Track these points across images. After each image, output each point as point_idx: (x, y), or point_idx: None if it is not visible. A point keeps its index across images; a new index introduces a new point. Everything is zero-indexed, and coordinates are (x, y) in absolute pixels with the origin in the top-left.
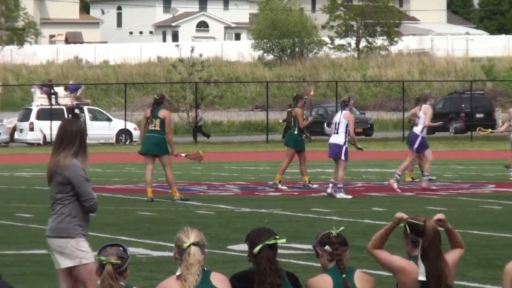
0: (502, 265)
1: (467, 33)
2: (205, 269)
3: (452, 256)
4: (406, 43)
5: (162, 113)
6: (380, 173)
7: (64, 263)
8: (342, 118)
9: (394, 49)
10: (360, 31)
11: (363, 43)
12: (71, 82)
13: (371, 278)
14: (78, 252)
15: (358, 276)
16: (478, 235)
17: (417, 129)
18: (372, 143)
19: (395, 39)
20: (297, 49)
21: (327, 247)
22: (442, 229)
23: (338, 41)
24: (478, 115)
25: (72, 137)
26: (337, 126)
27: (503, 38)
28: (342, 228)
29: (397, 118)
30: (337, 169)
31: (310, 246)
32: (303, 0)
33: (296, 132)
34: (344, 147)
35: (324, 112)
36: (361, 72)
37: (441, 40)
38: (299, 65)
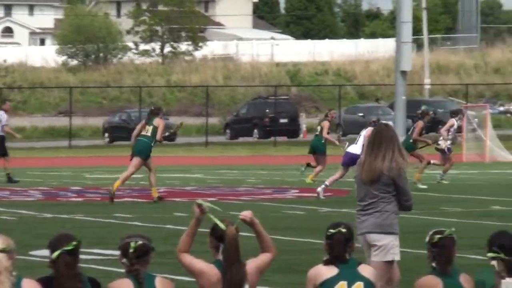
0: (304, 270)
1: (273, 38)
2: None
3: (256, 262)
4: (211, 48)
5: (156, 121)
6: (183, 178)
7: (376, 257)
8: (365, 132)
9: (198, 54)
10: (165, 36)
11: (167, 48)
12: None
13: (170, 283)
14: (395, 248)
15: (159, 282)
16: (280, 240)
17: None
18: (176, 148)
19: (200, 44)
20: (101, 54)
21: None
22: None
23: (142, 46)
24: (282, 120)
25: (390, 140)
26: (358, 138)
27: (308, 43)
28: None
29: (201, 123)
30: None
31: (112, 252)
32: (108, 6)
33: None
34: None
35: (128, 117)
36: (165, 77)
37: (246, 45)
38: (103, 70)
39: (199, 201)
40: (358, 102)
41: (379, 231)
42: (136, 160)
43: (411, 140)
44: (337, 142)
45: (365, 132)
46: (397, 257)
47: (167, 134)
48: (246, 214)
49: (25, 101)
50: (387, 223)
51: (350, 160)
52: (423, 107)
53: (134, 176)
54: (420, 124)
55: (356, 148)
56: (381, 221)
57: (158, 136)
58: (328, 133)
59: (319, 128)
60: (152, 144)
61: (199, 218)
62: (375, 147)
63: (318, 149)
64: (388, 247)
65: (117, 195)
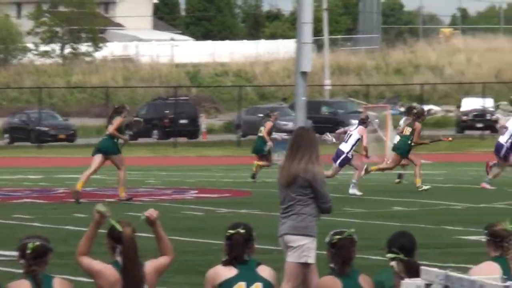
0: (204, 271)
1: (172, 39)
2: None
3: (155, 263)
4: (111, 49)
5: (115, 119)
6: None
7: (290, 258)
8: (356, 131)
9: (99, 55)
10: (65, 37)
11: (67, 49)
12: None
13: (69, 284)
14: (309, 251)
15: (58, 282)
16: (180, 241)
17: (502, 139)
18: (76, 150)
19: (100, 45)
20: (1, 55)
21: None
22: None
23: (43, 48)
24: (182, 121)
25: (309, 144)
26: (348, 137)
27: (208, 44)
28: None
29: (101, 124)
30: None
31: (10, 253)
32: (8, 7)
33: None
34: (344, 155)
35: (27, 118)
36: (66, 78)
37: (146, 46)
38: (3, 71)
39: (99, 208)
40: (258, 103)
41: (295, 233)
42: (115, 159)
43: (409, 142)
44: (270, 145)
45: (357, 131)
46: (310, 260)
47: (131, 132)
48: (152, 212)
49: None
50: (303, 225)
51: (338, 158)
52: (323, 108)
53: (34, 177)
54: (418, 126)
55: (346, 147)
56: (297, 223)
57: (110, 130)
58: (269, 133)
59: (262, 128)
60: (114, 140)
61: (99, 222)
62: (293, 150)
63: (261, 151)
64: (303, 249)
65: (16, 196)
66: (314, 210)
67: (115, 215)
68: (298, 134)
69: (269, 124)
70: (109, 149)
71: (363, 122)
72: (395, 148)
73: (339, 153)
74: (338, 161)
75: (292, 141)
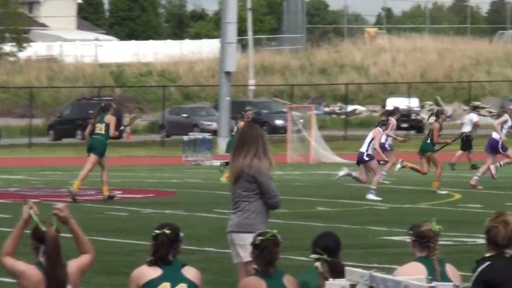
0: (129, 271)
1: (96, 39)
2: None
3: (78, 262)
4: (35, 50)
5: (107, 118)
6: (7, 179)
7: (245, 257)
8: (371, 132)
9: (23, 55)
10: None
11: None
12: None
13: None
14: None
15: None
16: (104, 241)
17: (496, 135)
18: (0, 150)
19: (24, 45)
20: None
21: None
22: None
23: None
24: None
25: (253, 140)
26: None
27: (133, 44)
28: None
29: (25, 124)
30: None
31: None
32: None
33: None
34: (365, 154)
35: None
36: None
37: (70, 46)
38: None
39: (29, 204)
40: (183, 103)
41: (239, 230)
42: (92, 157)
43: (428, 141)
44: None
45: (372, 132)
46: None
47: (121, 128)
48: (62, 207)
49: None
50: (246, 222)
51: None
52: (247, 108)
53: None
54: (436, 125)
55: (363, 147)
56: (241, 220)
57: (112, 133)
58: None
59: (235, 128)
60: (107, 142)
61: (26, 219)
62: (239, 146)
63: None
64: (248, 246)
65: None
66: (260, 207)
67: (39, 215)
68: (242, 131)
69: (241, 124)
70: (97, 149)
71: (383, 124)
72: (419, 150)
73: (360, 155)
74: (365, 157)
75: (238, 138)
